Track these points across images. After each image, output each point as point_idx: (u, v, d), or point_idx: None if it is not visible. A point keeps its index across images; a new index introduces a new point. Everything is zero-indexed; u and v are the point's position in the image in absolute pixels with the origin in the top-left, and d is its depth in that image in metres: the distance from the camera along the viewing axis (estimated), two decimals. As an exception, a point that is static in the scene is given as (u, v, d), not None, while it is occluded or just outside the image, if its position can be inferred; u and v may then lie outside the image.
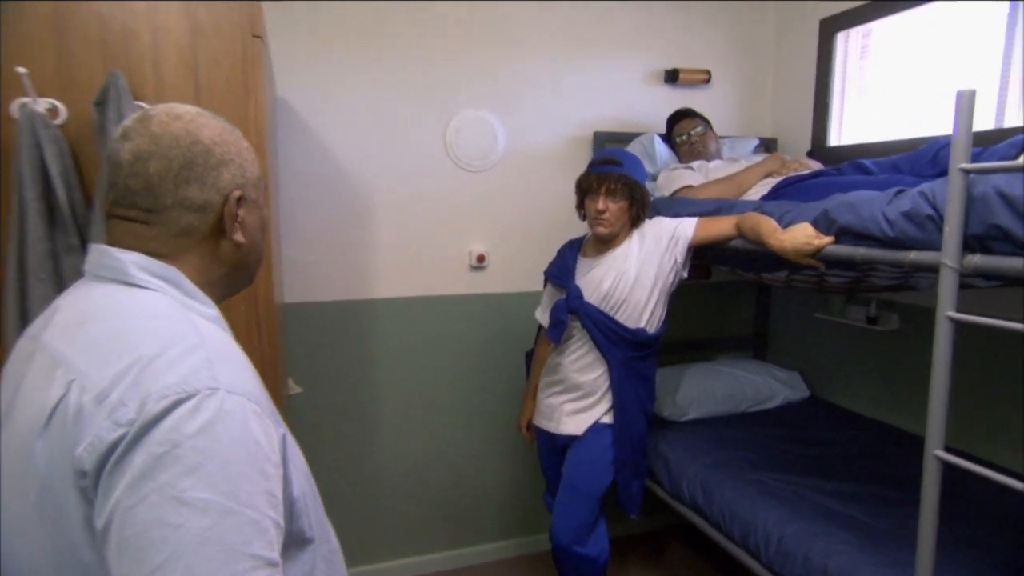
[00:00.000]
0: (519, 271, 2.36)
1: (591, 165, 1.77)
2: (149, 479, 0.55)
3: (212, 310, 0.70)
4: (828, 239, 1.36)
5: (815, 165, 1.95)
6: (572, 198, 1.97)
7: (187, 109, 0.72)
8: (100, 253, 0.69)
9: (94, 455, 0.57)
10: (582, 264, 1.81)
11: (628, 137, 2.34)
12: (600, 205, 1.72)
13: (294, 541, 0.68)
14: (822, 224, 1.39)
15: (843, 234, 1.34)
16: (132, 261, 0.68)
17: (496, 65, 2.22)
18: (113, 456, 0.56)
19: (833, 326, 2.38)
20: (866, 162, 1.64)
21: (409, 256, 2.24)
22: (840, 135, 2.36)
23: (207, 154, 0.70)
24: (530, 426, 1.98)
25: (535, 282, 2.31)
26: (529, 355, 2.06)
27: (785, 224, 1.49)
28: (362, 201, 2.18)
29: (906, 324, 2.12)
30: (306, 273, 2.10)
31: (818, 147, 2.39)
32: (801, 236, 1.38)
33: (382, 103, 2.15)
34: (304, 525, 0.69)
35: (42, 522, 0.58)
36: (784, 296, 2.63)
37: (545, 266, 1.96)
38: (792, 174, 1.84)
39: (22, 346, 0.69)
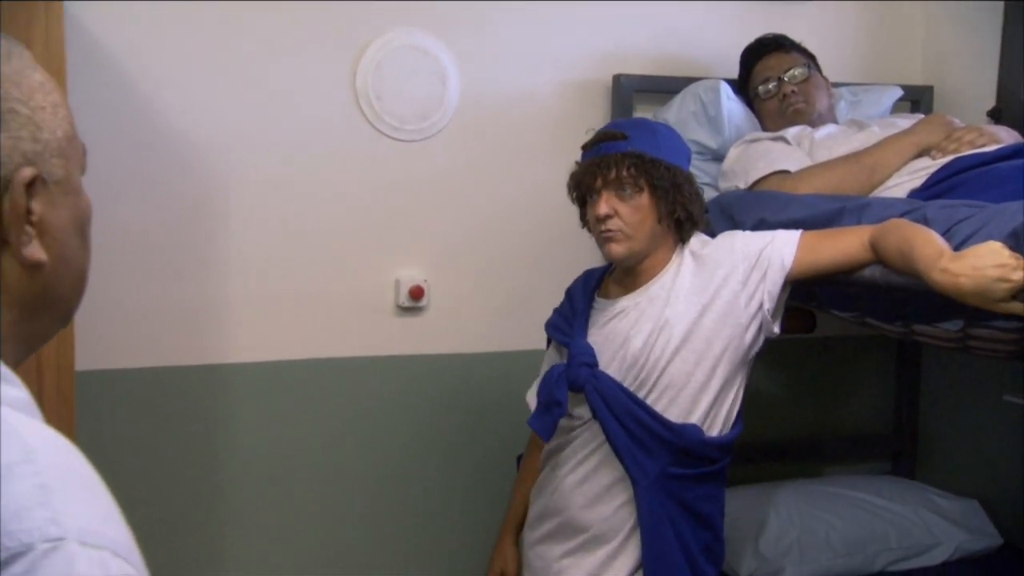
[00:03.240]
0: (485, 316, 2.34)
1: (584, 149, 1.80)
2: None
3: (19, 391, 0.69)
4: (1038, 267, 1.34)
5: (1006, 136, 1.90)
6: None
7: None
8: None
9: None
10: (600, 309, 1.82)
11: (675, 84, 2.30)
12: (601, 208, 1.72)
13: None
14: (1026, 242, 1.36)
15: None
16: None
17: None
18: None
19: (1041, 419, 2.31)
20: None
21: (288, 292, 2.21)
22: (1050, 83, 2.33)
23: None
24: None
25: (516, 336, 2.29)
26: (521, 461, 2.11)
27: (959, 241, 1.44)
28: (204, 196, 2.14)
29: None
30: (105, 322, 2.04)
31: (1010, 103, 2.31)
32: (988, 264, 1.33)
33: (242, 21, 2.12)
34: None
35: None
36: (949, 364, 2.57)
37: (540, 310, 1.95)
38: (966, 152, 1.81)
39: None
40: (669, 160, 1.73)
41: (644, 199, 1.70)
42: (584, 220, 1.83)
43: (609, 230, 1.71)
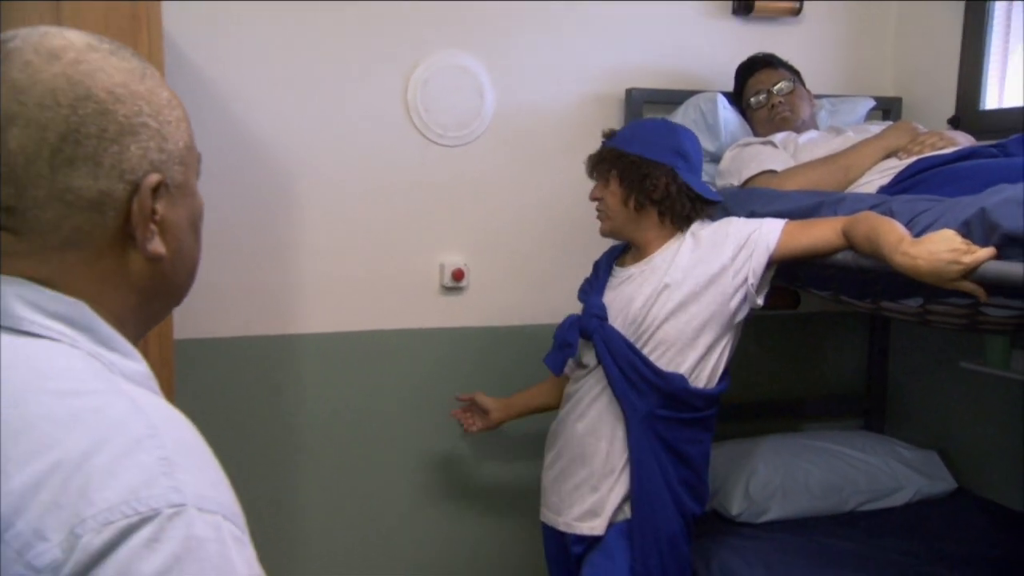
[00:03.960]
0: (517, 295, 2.39)
1: None
2: None
3: (141, 365, 0.70)
4: (986, 252, 1.34)
5: (963, 140, 1.95)
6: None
7: (69, 39, 0.68)
8: None
9: None
10: (615, 275, 1.91)
11: (678, 96, 2.35)
12: (592, 193, 1.88)
13: None
14: (976, 230, 1.38)
15: (1009, 244, 1.33)
16: (16, 295, 0.65)
17: (482, -14, 2.26)
18: None
19: (990, 382, 2.34)
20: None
21: (349, 273, 2.27)
22: (1002, 95, 2.35)
23: (104, 117, 0.67)
24: (473, 407, 2.09)
25: (542, 311, 2.36)
26: None
27: (919, 230, 1.47)
28: (279, 192, 2.20)
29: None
30: (199, 297, 2.07)
31: (966, 112, 2.39)
32: (942, 249, 1.37)
33: (311, 43, 2.17)
34: None
35: None
36: (913, 336, 2.62)
37: (562, 289, 2.09)
38: (927, 154, 1.85)
39: None
40: (641, 153, 1.78)
41: (614, 186, 1.81)
42: None
43: (598, 210, 1.87)
